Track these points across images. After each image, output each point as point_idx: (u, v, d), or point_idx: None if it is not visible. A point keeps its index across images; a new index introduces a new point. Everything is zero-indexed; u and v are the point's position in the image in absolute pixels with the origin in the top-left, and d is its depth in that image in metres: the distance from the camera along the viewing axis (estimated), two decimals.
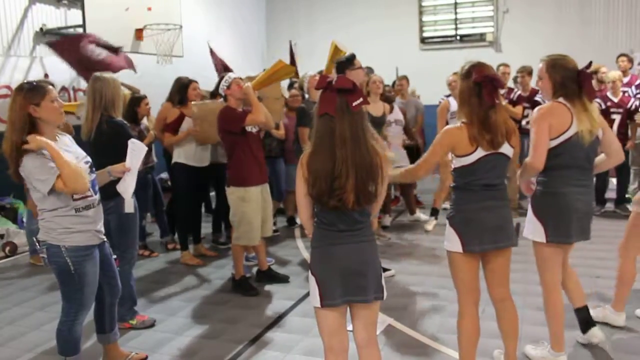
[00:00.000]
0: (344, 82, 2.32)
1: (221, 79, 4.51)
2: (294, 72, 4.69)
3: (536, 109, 3.01)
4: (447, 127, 2.79)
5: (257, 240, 4.61)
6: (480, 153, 2.68)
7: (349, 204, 2.28)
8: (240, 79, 4.56)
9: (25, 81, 2.84)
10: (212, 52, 7.48)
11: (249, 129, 4.44)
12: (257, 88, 4.62)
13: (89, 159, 2.98)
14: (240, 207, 4.46)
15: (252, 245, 4.68)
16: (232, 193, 4.50)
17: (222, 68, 7.10)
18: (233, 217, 4.55)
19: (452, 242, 2.80)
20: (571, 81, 2.94)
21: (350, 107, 2.29)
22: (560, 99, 2.97)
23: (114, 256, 3.25)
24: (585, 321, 3.32)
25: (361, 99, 2.30)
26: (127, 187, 3.12)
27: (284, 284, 4.78)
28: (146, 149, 3.25)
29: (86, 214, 2.87)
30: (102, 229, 3.01)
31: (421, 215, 6.81)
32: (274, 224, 6.08)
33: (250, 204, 4.46)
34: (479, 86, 2.66)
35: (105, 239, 3.07)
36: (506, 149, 2.72)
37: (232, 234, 4.72)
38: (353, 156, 2.27)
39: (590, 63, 2.97)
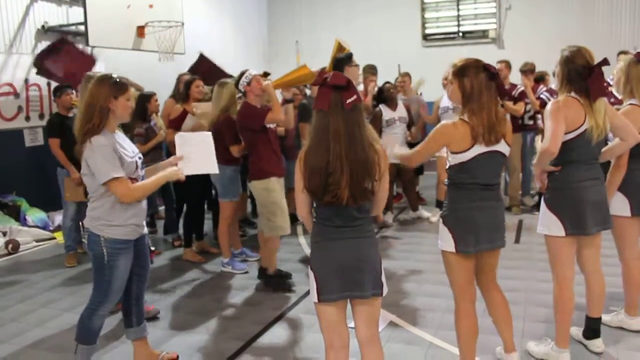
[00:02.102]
0: (338, 79, 2.30)
1: (241, 75, 4.52)
2: None
3: (550, 102, 2.97)
4: (442, 123, 2.74)
5: (289, 229, 4.60)
6: (477, 150, 2.64)
7: (343, 200, 2.28)
8: (260, 76, 4.57)
9: (110, 73, 2.97)
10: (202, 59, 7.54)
11: (267, 125, 4.47)
12: (277, 87, 4.64)
13: (141, 155, 3.08)
14: (268, 197, 4.47)
15: (284, 234, 4.63)
16: (256, 186, 4.52)
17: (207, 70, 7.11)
18: (262, 209, 4.54)
19: (445, 241, 2.78)
20: (579, 76, 2.89)
21: (344, 104, 2.28)
22: (572, 94, 2.92)
23: (153, 248, 3.28)
24: (594, 330, 3.27)
25: (355, 97, 2.29)
26: (199, 168, 3.20)
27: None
28: (203, 134, 3.28)
29: (130, 208, 2.93)
30: (144, 223, 3.07)
31: (424, 212, 6.80)
32: None
33: (276, 193, 4.48)
34: (493, 78, 2.62)
35: (146, 232, 3.13)
36: (503, 146, 2.70)
37: (260, 226, 4.67)
38: (348, 152, 2.26)
39: (605, 60, 2.89)
